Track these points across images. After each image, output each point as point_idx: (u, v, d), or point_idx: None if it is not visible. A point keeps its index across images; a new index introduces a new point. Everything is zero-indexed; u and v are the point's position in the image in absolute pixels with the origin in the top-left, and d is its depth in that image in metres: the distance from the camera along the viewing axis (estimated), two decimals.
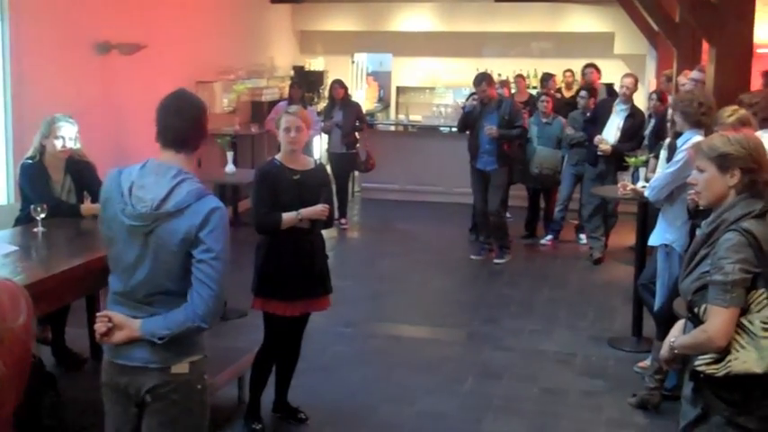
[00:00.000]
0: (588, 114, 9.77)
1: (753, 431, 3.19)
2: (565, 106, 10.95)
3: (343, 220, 11.11)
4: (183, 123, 3.18)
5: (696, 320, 3.24)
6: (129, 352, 3.18)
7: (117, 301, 3.23)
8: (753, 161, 3.22)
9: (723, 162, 3.23)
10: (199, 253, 3.08)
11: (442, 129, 13.99)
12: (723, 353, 3.12)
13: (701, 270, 3.21)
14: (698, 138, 5.46)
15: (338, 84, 11.40)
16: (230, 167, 8.00)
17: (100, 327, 3.16)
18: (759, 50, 9.38)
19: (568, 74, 13.08)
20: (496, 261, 9.36)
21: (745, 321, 3.11)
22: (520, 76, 12.48)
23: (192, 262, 3.09)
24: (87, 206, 5.73)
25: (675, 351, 3.32)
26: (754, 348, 3.09)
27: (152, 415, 3.22)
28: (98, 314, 3.23)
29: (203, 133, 3.25)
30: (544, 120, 10.25)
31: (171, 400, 3.20)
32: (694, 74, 7.55)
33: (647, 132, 8.90)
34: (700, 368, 3.18)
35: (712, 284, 3.12)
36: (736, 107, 4.96)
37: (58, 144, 5.72)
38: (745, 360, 3.09)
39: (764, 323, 3.08)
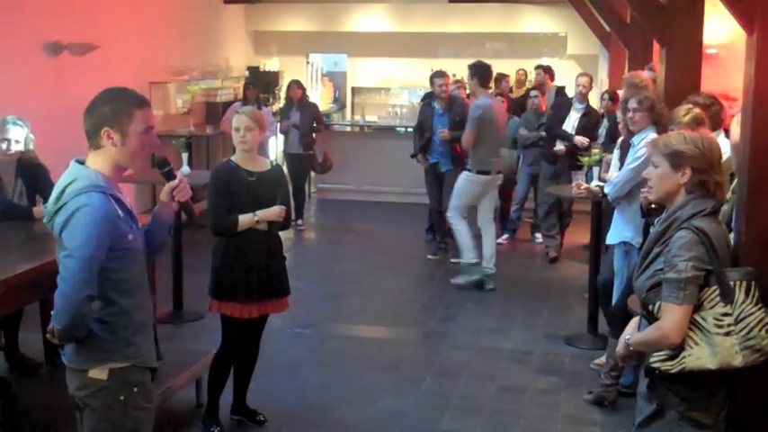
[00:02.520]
0: (546, 114, 9.85)
1: (707, 426, 3.25)
2: (516, 106, 11.03)
3: (300, 222, 11.09)
4: (84, 121, 3.15)
5: (650, 318, 3.29)
6: (65, 351, 3.20)
7: None
8: (705, 161, 3.27)
9: (676, 159, 3.29)
10: (60, 252, 3.06)
11: (398, 129, 14.03)
12: (677, 349, 3.16)
13: (655, 268, 3.26)
14: (654, 134, 5.54)
15: (296, 84, 11.37)
16: (185, 169, 7.92)
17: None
18: (708, 50, 9.52)
19: (521, 72, 13.18)
20: (453, 261, 9.40)
21: (698, 318, 3.16)
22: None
23: None
24: (40, 209, 5.65)
25: (631, 348, 3.36)
26: (707, 345, 3.13)
27: (84, 420, 3.21)
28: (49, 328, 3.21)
29: (96, 130, 3.11)
30: None
31: (90, 407, 3.16)
32: (645, 73, 7.64)
33: (600, 131, 9.00)
34: (655, 365, 3.23)
35: (666, 282, 3.17)
36: (690, 106, 5.03)
37: (4, 146, 5.65)
38: (699, 356, 3.14)
39: (717, 320, 3.13)
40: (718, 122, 5.20)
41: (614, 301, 5.91)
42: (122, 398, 3.15)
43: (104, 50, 9.47)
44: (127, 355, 3.16)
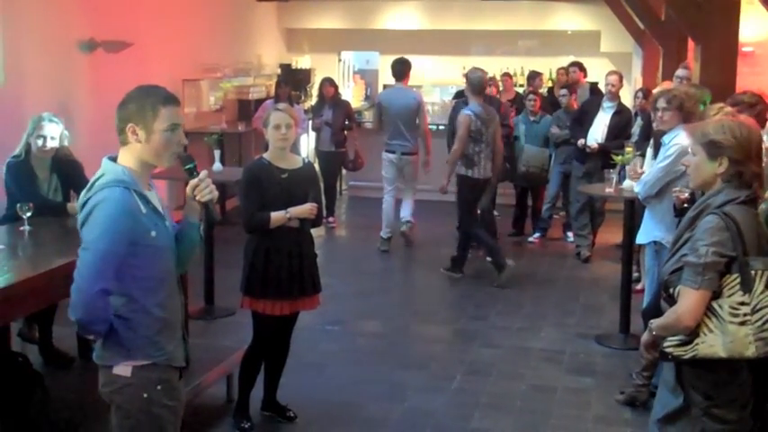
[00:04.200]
0: (572, 112, 9.80)
1: (732, 421, 3.22)
2: (553, 105, 10.97)
3: (331, 219, 11.10)
4: (116, 117, 3.17)
5: (671, 301, 3.26)
6: (95, 347, 3.23)
7: None
8: (742, 152, 3.23)
9: (712, 149, 3.25)
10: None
11: (429, 126, 13.99)
12: (691, 335, 3.13)
13: (682, 253, 3.23)
14: (685, 133, 5.48)
15: (328, 82, 11.38)
16: (217, 166, 7.97)
17: None
18: (744, 48, 9.42)
19: (561, 71, 13.10)
20: (489, 259, 9.35)
21: (715, 305, 3.12)
22: (506, 75, 12.50)
23: None
24: (74, 204, 5.70)
25: (653, 333, 3.33)
26: (721, 333, 3.10)
27: (111, 416, 3.24)
28: None
29: (122, 126, 3.13)
30: (532, 118, 10.27)
31: (116, 403, 3.18)
32: (680, 72, 7.58)
33: (634, 130, 8.93)
34: (668, 349, 3.20)
35: (686, 265, 3.15)
36: (721, 105, 4.98)
37: (40, 142, 5.71)
38: (711, 344, 3.11)
39: (733, 308, 3.09)
40: (763, 121, 5.13)
41: (644, 299, 5.86)
42: (146, 395, 3.17)
43: (138, 48, 9.53)
44: (150, 353, 3.17)
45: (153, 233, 3.13)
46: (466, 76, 8.84)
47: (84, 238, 3.04)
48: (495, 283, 8.47)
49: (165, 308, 3.22)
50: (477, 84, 8.57)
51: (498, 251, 8.78)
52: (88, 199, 3.06)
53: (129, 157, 3.16)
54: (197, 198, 3.31)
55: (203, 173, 3.33)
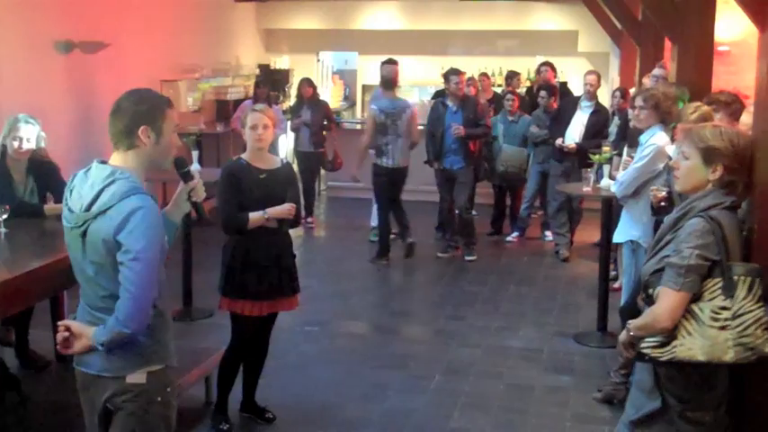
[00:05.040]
0: (551, 113, 9.84)
1: (706, 423, 3.24)
2: (532, 105, 11.01)
3: (310, 219, 11.10)
4: (114, 121, 3.11)
5: (650, 301, 3.27)
6: (88, 359, 3.16)
7: (83, 308, 3.20)
8: (738, 161, 3.24)
9: (709, 155, 3.25)
10: (120, 255, 2.99)
11: None
12: (669, 337, 3.14)
13: (663, 254, 3.24)
14: (662, 133, 5.52)
15: (307, 82, 11.37)
16: (195, 166, 7.95)
17: (59, 337, 3.14)
18: (720, 48, 9.49)
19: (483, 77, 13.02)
20: (467, 258, 9.40)
21: (695, 308, 3.13)
22: (485, 75, 12.52)
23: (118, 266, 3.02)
24: (50, 206, 5.67)
25: (631, 333, 3.33)
26: (700, 336, 3.10)
27: (114, 425, 3.18)
28: (58, 323, 3.19)
29: (133, 129, 3.08)
30: (510, 118, 10.30)
31: (128, 411, 3.14)
32: (656, 71, 7.63)
33: (611, 129, 8.98)
34: (645, 350, 3.20)
35: (668, 266, 3.15)
36: (699, 104, 5.01)
37: (15, 144, 5.67)
38: (690, 347, 3.11)
39: (714, 312, 3.10)
40: (737, 121, 5.17)
41: (622, 298, 5.90)
42: (159, 399, 3.18)
43: (115, 48, 9.49)
44: (164, 356, 3.20)
45: (166, 237, 3.18)
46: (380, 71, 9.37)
47: (130, 247, 2.97)
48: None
49: (169, 309, 3.28)
50: (387, 79, 9.15)
51: (386, 238, 9.33)
52: (110, 207, 2.99)
53: (134, 161, 3.13)
54: (193, 199, 3.38)
55: (195, 172, 3.39)
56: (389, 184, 9.23)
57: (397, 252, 9.81)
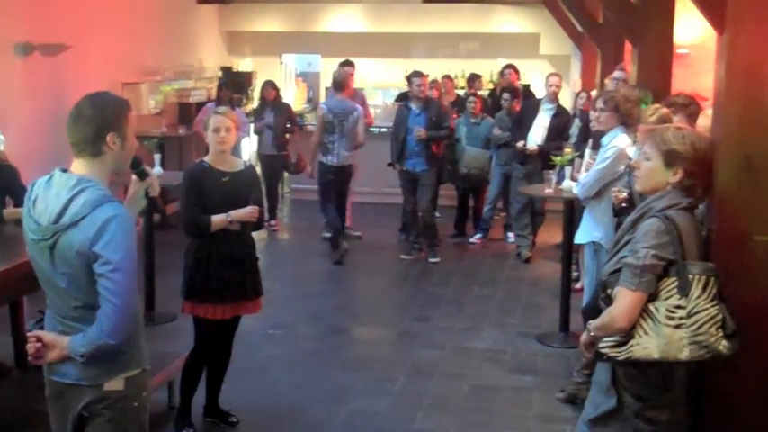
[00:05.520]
0: (513, 115, 9.90)
1: (663, 422, 3.27)
2: (494, 107, 11.06)
3: (273, 222, 11.06)
4: (77, 128, 3.05)
5: (609, 302, 3.30)
6: (62, 369, 3.11)
7: (52, 317, 3.15)
8: (699, 165, 3.28)
9: (670, 158, 3.28)
10: (98, 267, 2.94)
11: (371, 129, 14.02)
12: (626, 337, 3.17)
13: (622, 255, 3.27)
14: (623, 135, 5.57)
15: (270, 85, 11.35)
16: (158, 170, 7.89)
17: (30, 348, 3.08)
18: (679, 51, 9.59)
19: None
20: (431, 260, 9.43)
21: (651, 307, 3.15)
22: (447, 77, 12.57)
23: (95, 277, 2.97)
24: (9, 211, 5.59)
25: (591, 333, 3.35)
26: (655, 335, 3.12)
27: (92, 429, 3.15)
28: (28, 335, 3.14)
29: (101, 136, 3.03)
30: (473, 120, 10.35)
31: (106, 417, 3.11)
32: (616, 73, 7.71)
33: (572, 131, 9.06)
34: (603, 350, 3.23)
35: (625, 266, 3.18)
36: (657, 106, 5.06)
37: None
38: (646, 346, 3.13)
39: (670, 311, 3.12)
40: (695, 122, 5.24)
41: (584, 299, 5.95)
42: (136, 404, 3.17)
43: (76, 51, 9.39)
44: (139, 360, 3.18)
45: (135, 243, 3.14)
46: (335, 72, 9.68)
47: (109, 258, 2.93)
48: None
49: (141, 314, 3.25)
50: (337, 81, 9.46)
51: (337, 232, 9.48)
52: (82, 217, 2.94)
53: (99, 168, 3.08)
54: (151, 194, 3.37)
55: (152, 169, 3.39)
56: (334, 182, 9.48)
57: (358, 255, 9.82)
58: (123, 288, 2.96)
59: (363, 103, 10.44)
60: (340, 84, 9.47)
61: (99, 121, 3.04)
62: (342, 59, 10.59)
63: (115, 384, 3.10)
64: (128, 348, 3.10)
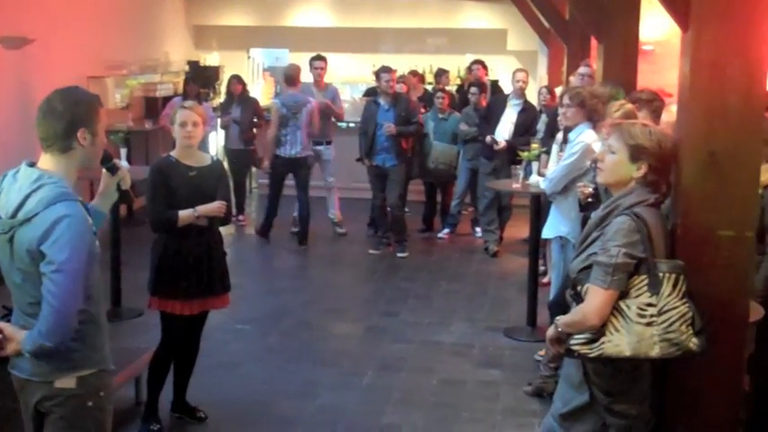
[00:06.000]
0: (481, 110, 9.93)
1: (633, 416, 3.31)
2: (462, 102, 11.10)
3: (240, 217, 11.03)
4: (47, 123, 3.03)
5: (579, 299, 3.33)
6: (20, 363, 3.11)
7: (16, 311, 3.15)
8: (662, 162, 3.33)
9: (636, 152, 3.32)
10: (43, 266, 2.92)
11: (339, 124, 14.00)
12: (598, 334, 3.20)
13: (590, 251, 3.30)
14: (590, 131, 5.62)
15: (236, 79, 11.30)
16: (124, 164, 7.84)
17: None
18: (644, 47, 9.69)
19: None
20: (399, 255, 9.44)
21: (622, 305, 3.19)
22: (415, 72, 12.58)
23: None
24: None
25: (559, 329, 3.38)
26: (627, 332, 3.17)
27: (45, 428, 3.15)
28: None
29: (72, 131, 3.03)
30: (440, 115, 10.37)
31: (57, 415, 3.10)
32: (582, 69, 7.77)
33: (539, 126, 9.11)
34: (574, 347, 3.26)
35: (596, 264, 3.21)
36: (623, 102, 5.11)
37: None
38: (617, 343, 3.17)
39: (641, 309, 3.16)
40: (658, 118, 5.29)
41: (551, 293, 5.99)
42: (90, 404, 3.13)
43: (40, 44, 9.28)
44: (95, 360, 3.15)
45: (96, 242, 3.11)
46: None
47: (53, 258, 2.90)
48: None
49: (103, 313, 3.22)
50: (288, 75, 9.90)
51: (304, 224, 9.93)
52: (35, 214, 2.92)
53: (65, 164, 3.06)
54: (123, 187, 3.40)
55: (121, 162, 3.37)
56: (287, 172, 9.95)
57: (327, 250, 9.83)
58: (63, 290, 2.92)
59: (336, 98, 10.46)
60: (291, 78, 9.85)
61: (70, 116, 3.03)
62: (309, 54, 10.60)
63: (67, 382, 3.08)
64: (80, 347, 3.07)
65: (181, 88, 11.98)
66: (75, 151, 3.06)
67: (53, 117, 3.02)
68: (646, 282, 3.17)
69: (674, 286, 3.17)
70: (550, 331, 3.46)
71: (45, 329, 2.94)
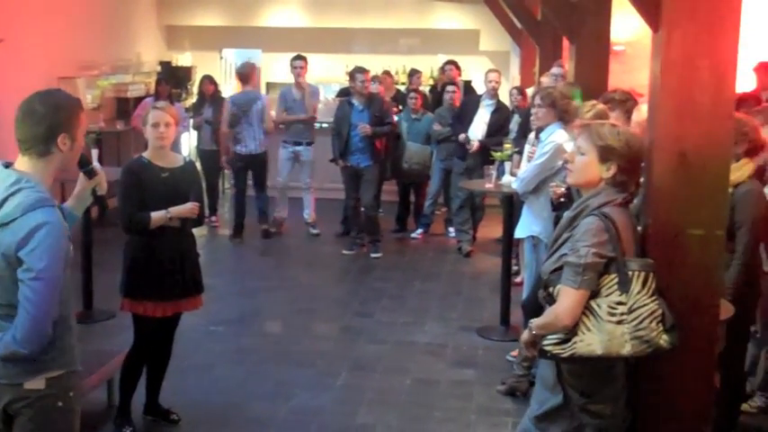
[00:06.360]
0: (454, 110, 9.96)
1: (607, 416, 3.33)
2: (435, 102, 11.12)
3: (213, 218, 10.98)
4: (27, 126, 3.01)
5: (551, 300, 3.35)
6: None
7: None
8: (630, 162, 3.35)
9: (605, 153, 3.35)
10: (20, 273, 2.90)
11: (314, 124, 13.97)
12: (570, 334, 3.22)
13: (561, 252, 3.32)
14: (561, 131, 5.65)
15: (208, 80, 11.25)
16: (95, 165, 7.79)
17: None
18: (616, 47, 9.75)
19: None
20: (373, 255, 9.44)
21: (593, 304, 3.21)
22: (388, 73, 12.59)
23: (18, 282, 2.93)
24: None
25: (533, 332, 3.40)
26: (598, 331, 3.19)
27: (14, 430, 3.12)
28: None
29: (52, 136, 3.01)
30: (413, 116, 10.39)
31: (27, 416, 3.07)
32: (554, 70, 7.81)
33: (512, 126, 9.15)
34: (547, 348, 3.28)
35: (566, 265, 3.23)
36: (594, 102, 5.15)
37: None
38: (589, 343, 3.20)
39: (611, 308, 3.19)
40: (630, 118, 5.33)
41: (524, 293, 6.01)
42: (60, 404, 3.11)
43: (10, 44, 9.20)
44: (65, 361, 3.13)
45: (70, 246, 3.09)
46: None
47: (32, 266, 2.88)
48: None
49: (72, 314, 3.20)
50: (242, 73, 10.27)
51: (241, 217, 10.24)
52: (12, 220, 2.90)
53: (45, 168, 3.05)
54: (99, 193, 3.40)
55: (98, 166, 3.42)
56: (244, 170, 10.21)
57: (300, 251, 9.81)
58: (41, 297, 2.91)
59: (315, 98, 10.47)
60: (244, 76, 10.20)
61: (51, 121, 3.02)
62: (282, 54, 10.65)
63: (36, 384, 3.06)
64: (50, 349, 3.05)
65: (153, 89, 11.91)
66: (54, 156, 3.05)
67: (33, 120, 3.01)
68: (615, 280, 3.20)
69: (644, 284, 3.20)
70: (525, 335, 3.47)
71: (20, 337, 2.92)
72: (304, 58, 10.32)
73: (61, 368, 3.11)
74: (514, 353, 6.29)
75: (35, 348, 2.95)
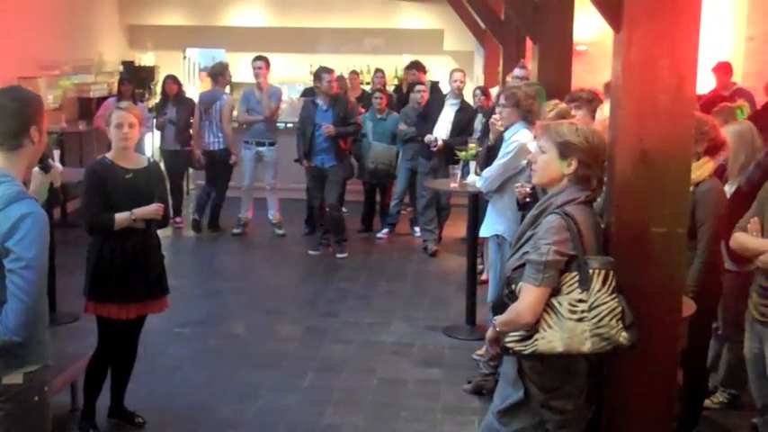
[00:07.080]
0: (419, 110, 9.98)
1: (569, 411, 3.37)
2: (400, 102, 11.13)
3: (178, 219, 10.90)
4: (11, 120, 3.05)
5: (513, 298, 3.38)
6: None
7: None
8: (592, 156, 3.39)
9: (564, 149, 3.39)
10: (9, 262, 2.92)
11: (277, 124, 13.93)
12: (531, 331, 3.26)
13: (524, 250, 3.35)
14: (525, 130, 5.69)
15: (171, 79, 11.17)
16: (57, 166, 7.71)
17: None
18: (578, 48, 9.84)
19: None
20: (339, 255, 9.44)
21: (554, 302, 3.25)
22: (354, 73, 12.60)
23: (5, 272, 2.94)
24: None
25: (497, 329, 3.43)
26: (559, 329, 3.23)
27: None
28: None
29: (24, 129, 3.05)
30: (379, 116, 10.39)
31: (5, 411, 3.06)
32: (516, 71, 7.87)
33: (476, 126, 9.19)
34: (509, 344, 3.32)
35: (528, 263, 3.27)
36: (556, 101, 5.19)
37: None
38: (550, 340, 3.23)
39: (572, 305, 3.23)
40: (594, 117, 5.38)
41: (489, 292, 6.04)
42: (36, 399, 3.12)
43: None
44: (42, 355, 3.13)
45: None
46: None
47: (21, 255, 2.90)
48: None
49: (47, 309, 3.19)
50: (212, 73, 10.69)
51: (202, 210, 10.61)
52: None
53: (17, 162, 3.08)
54: (55, 186, 3.47)
55: (51, 161, 3.47)
56: (207, 165, 10.58)
57: (265, 251, 9.79)
58: (34, 286, 2.94)
59: (277, 99, 10.44)
60: (214, 75, 10.60)
61: (23, 114, 3.06)
62: (246, 54, 10.61)
63: (14, 378, 3.05)
64: (28, 343, 3.05)
65: (115, 88, 11.83)
66: (26, 149, 3.09)
67: (5, 115, 3.05)
68: (576, 278, 3.23)
69: (604, 282, 3.23)
70: (489, 332, 3.52)
71: (14, 325, 2.93)
72: (264, 59, 10.28)
73: (38, 362, 3.12)
74: (480, 351, 6.32)
75: (28, 336, 2.97)
